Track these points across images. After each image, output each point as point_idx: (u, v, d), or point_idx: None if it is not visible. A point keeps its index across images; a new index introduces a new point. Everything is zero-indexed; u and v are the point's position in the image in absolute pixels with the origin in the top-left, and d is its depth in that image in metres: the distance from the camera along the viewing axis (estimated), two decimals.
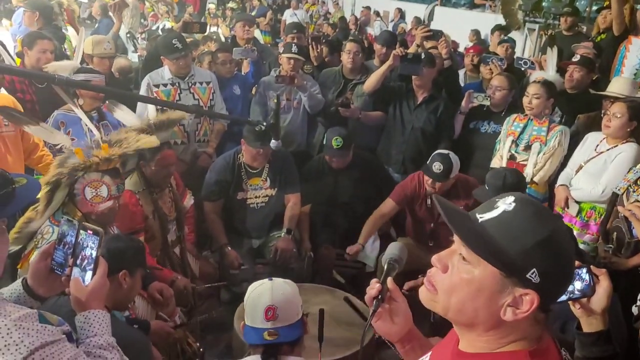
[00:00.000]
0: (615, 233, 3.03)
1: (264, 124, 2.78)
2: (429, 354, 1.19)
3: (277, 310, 1.79)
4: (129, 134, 2.59)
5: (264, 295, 1.82)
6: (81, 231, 1.40)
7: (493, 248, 0.96)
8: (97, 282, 1.39)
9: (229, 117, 4.07)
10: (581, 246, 3.41)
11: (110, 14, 5.60)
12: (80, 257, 1.39)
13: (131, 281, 2.10)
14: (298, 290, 1.93)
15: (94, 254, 1.38)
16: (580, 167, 3.50)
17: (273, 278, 1.91)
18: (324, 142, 3.75)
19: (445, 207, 1.04)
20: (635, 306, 2.03)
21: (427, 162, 3.42)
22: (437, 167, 3.34)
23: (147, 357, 2.02)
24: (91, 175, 2.39)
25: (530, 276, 0.95)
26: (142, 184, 3.06)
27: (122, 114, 3.02)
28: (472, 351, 1.05)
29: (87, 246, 1.39)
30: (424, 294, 1.08)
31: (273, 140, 2.81)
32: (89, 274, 1.38)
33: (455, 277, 1.02)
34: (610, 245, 3.08)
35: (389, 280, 1.25)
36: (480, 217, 1.01)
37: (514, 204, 0.99)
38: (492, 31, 5.84)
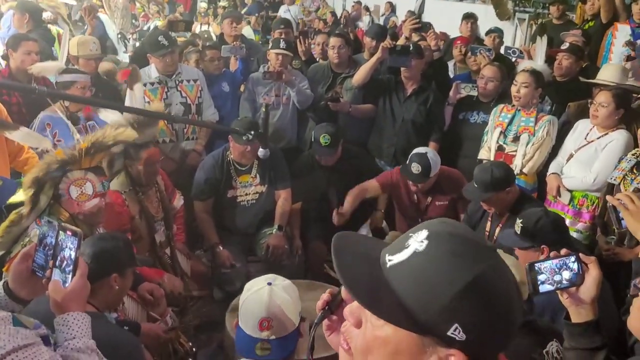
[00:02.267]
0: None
1: (252, 133, 2.74)
2: None
3: (272, 322, 1.70)
4: (107, 129, 2.55)
5: (259, 304, 1.71)
6: (60, 232, 1.38)
7: (398, 307, 0.78)
8: (77, 283, 1.36)
9: (216, 126, 4.05)
10: (574, 235, 3.39)
11: (83, 17, 5.56)
12: (59, 258, 1.38)
13: (122, 282, 2.08)
14: (298, 296, 1.81)
15: (73, 255, 1.36)
16: (571, 156, 3.50)
17: (272, 282, 1.77)
18: (312, 139, 3.73)
19: (339, 252, 0.85)
20: (629, 295, 2.01)
21: (406, 163, 3.40)
22: (415, 168, 3.31)
23: (137, 358, 1.99)
24: (74, 173, 2.37)
25: (452, 334, 0.77)
26: (129, 183, 3.03)
27: (107, 113, 2.99)
28: None
29: (67, 247, 1.37)
30: (341, 355, 0.91)
31: (261, 149, 2.78)
32: (69, 274, 1.36)
33: (369, 336, 0.83)
34: (613, 237, 3.07)
35: (343, 289, 0.98)
36: (389, 261, 0.82)
37: (426, 242, 0.80)
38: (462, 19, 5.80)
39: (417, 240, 0.81)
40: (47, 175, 2.31)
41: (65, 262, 1.37)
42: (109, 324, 2.05)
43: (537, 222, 2.36)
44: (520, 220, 2.42)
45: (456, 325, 0.76)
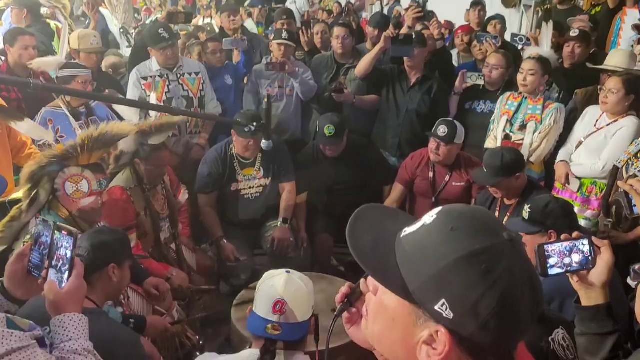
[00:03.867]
0: (615, 207, 2.99)
1: (254, 124, 2.71)
2: None
3: (286, 306, 1.72)
4: (107, 126, 2.53)
5: (276, 287, 1.75)
6: (56, 232, 1.35)
7: (396, 275, 0.78)
8: (73, 284, 1.33)
9: (218, 118, 4.02)
10: (583, 222, 3.38)
11: (86, 11, 5.53)
12: (55, 258, 1.35)
13: (120, 273, 2.08)
14: (313, 290, 1.85)
15: (69, 255, 1.33)
16: (580, 143, 3.46)
17: (291, 271, 1.83)
18: (317, 130, 3.69)
19: (358, 216, 0.87)
20: (631, 279, 1.98)
21: (433, 129, 3.45)
22: (442, 130, 3.38)
23: (138, 355, 1.97)
24: (71, 169, 2.36)
25: (439, 309, 0.74)
26: (135, 180, 3.02)
27: (122, 108, 2.99)
28: None
29: (62, 247, 1.34)
30: (363, 323, 0.92)
31: (264, 141, 2.74)
32: (65, 274, 1.34)
33: (378, 301, 0.85)
34: (610, 220, 3.05)
35: (363, 282, 0.98)
36: (404, 232, 0.83)
37: (435, 217, 0.80)
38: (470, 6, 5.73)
39: (430, 215, 0.81)
40: (44, 170, 2.30)
41: (61, 262, 1.34)
42: (109, 320, 2.04)
43: (546, 206, 2.35)
44: (529, 206, 2.41)
45: (443, 300, 0.74)
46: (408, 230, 0.82)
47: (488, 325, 0.74)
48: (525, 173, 3.04)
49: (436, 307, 0.75)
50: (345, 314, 1.01)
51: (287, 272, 1.81)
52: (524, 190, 2.98)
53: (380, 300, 0.84)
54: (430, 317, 0.76)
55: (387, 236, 0.84)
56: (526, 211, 2.39)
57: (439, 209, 0.82)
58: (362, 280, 0.98)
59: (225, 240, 3.46)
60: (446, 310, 0.74)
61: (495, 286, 0.73)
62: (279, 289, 1.74)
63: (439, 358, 0.76)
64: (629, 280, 1.96)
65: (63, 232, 1.34)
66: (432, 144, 3.46)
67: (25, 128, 2.55)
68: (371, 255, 0.82)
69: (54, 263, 1.35)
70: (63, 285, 1.33)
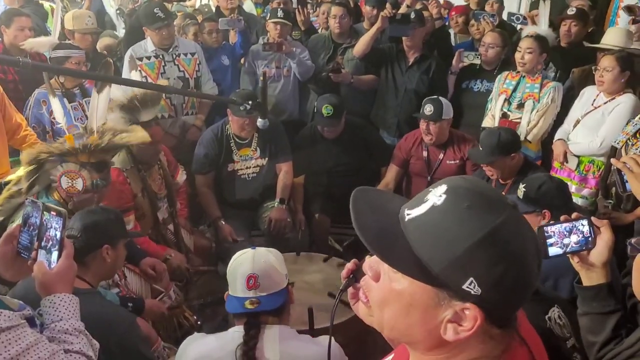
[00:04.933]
0: (614, 188, 2.99)
1: (249, 102, 2.69)
2: (391, 356, 1.03)
3: (259, 279, 1.73)
4: (113, 134, 2.51)
5: (245, 264, 1.76)
6: (45, 213, 1.34)
7: (413, 259, 0.78)
8: (62, 264, 1.32)
9: (213, 97, 3.97)
10: (580, 201, 3.39)
11: None
12: (45, 239, 1.34)
13: (114, 253, 2.07)
14: (282, 259, 1.87)
15: (59, 236, 1.32)
16: (578, 122, 3.46)
17: (256, 247, 1.85)
18: (315, 111, 3.67)
19: (357, 202, 0.86)
20: (628, 252, 1.98)
21: (420, 110, 3.44)
22: (428, 109, 3.38)
23: (133, 334, 1.98)
24: (69, 165, 2.36)
25: (467, 287, 0.75)
26: (130, 161, 3.00)
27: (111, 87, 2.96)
28: None
29: (52, 227, 1.33)
30: (360, 309, 0.91)
31: (260, 119, 2.72)
32: (55, 255, 1.33)
33: (385, 288, 0.83)
34: (610, 201, 3.05)
35: (367, 258, 0.98)
36: (408, 215, 0.81)
37: (444, 197, 0.79)
38: None
39: (436, 195, 0.80)
40: (42, 161, 2.30)
41: (50, 243, 1.33)
42: (103, 300, 2.04)
43: (541, 186, 2.34)
44: (524, 185, 2.39)
45: (471, 278, 0.75)
46: (413, 212, 0.81)
47: (512, 293, 0.78)
48: (521, 154, 3.02)
49: (464, 287, 0.75)
50: (350, 290, 0.99)
51: (253, 248, 1.83)
52: (519, 170, 2.98)
53: (388, 288, 0.83)
54: (454, 296, 0.77)
55: (391, 220, 0.83)
56: (521, 190, 2.39)
57: (444, 186, 0.81)
58: (366, 257, 0.96)
59: (223, 221, 3.46)
60: (474, 287, 0.75)
61: (514, 256, 0.77)
62: (248, 265, 1.76)
63: (469, 333, 0.77)
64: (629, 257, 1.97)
65: (52, 212, 1.33)
66: (422, 125, 3.46)
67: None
68: (384, 244, 0.81)
69: (43, 244, 1.34)
70: (52, 266, 1.33)
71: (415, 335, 0.83)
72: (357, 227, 0.82)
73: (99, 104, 2.61)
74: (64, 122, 2.94)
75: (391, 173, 3.69)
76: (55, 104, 2.88)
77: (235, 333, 1.73)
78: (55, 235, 1.32)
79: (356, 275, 1.00)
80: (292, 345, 1.72)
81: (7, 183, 2.43)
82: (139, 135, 2.56)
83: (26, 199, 1.43)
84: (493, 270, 0.75)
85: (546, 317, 1.77)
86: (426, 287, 0.78)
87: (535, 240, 0.82)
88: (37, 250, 1.34)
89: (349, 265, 1.02)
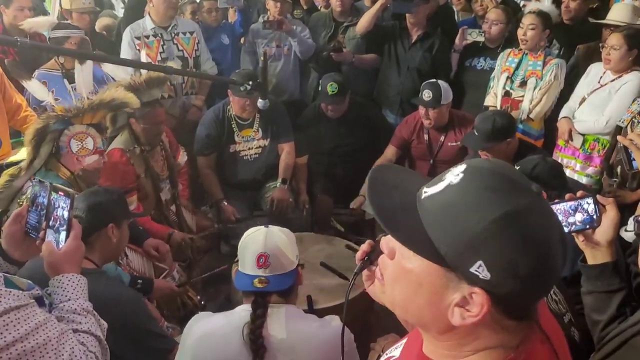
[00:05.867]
0: (619, 167, 2.97)
1: (250, 83, 2.67)
2: (404, 341, 1.01)
3: (269, 258, 1.73)
4: (115, 89, 2.54)
5: (257, 242, 1.76)
6: (53, 193, 1.35)
7: (423, 238, 0.75)
8: (71, 244, 1.33)
9: (213, 77, 3.95)
10: (584, 179, 3.38)
11: None
12: (52, 219, 1.35)
13: (119, 233, 2.07)
14: (294, 240, 1.86)
15: (67, 216, 1.33)
16: (584, 99, 3.42)
17: (270, 225, 1.84)
18: (319, 89, 3.64)
19: (374, 184, 0.83)
20: (625, 230, 1.97)
21: (419, 95, 3.39)
22: (426, 95, 3.33)
23: (141, 313, 1.99)
24: (76, 127, 2.39)
25: (476, 271, 0.73)
26: (133, 142, 3.00)
27: (111, 66, 2.95)
28: (434, 358, 0.86)
29: (59, 207, 1.34)
30: (374, 290, 0.91)
31: (260, 100, 2.70)
32: (63, 235, 1.33)
33: (398, 266, 0.82)
34: (615, 179, 3.03)
35: (383, 237, 0.96)
36: (425, 193, 0.80)
37: (461, 175, 0.77)
38: None
39: (454, 174, 0.77)
40: (48, 129, 2.30)
41: (58, 223, 1.34)
42: (109, 279, 2.05)
43: (534, 168, 2.33)
44: (518, 168, 2.38)
45: (480, 262, 0.72)
46: (430, 190, 0.79)
47: (526, 283, 0.73)
48: (516, 138, 2.97)
49: (472, 269, 0.73)
50: (365, 272, 0.99)
51: (266, 227, 1.82)
52: (517, 153, 2.93)
53: (401, 265, 0.81)
54: (463, 279, 0.74)
55: (408, 199, 0.81)
56: None
57: (463, 166, 0.79)
58: (382, 238, 0.94)
59: (225, 202, 3.46)
60: (483, 271, 0.72)
61: (532, 244, 0.73)
62: (260, 243, 1.75)
63: (475, 319, 0.75)
64: (623, 233, 1.95)
65: (60, 192, 1.34)
66: (421, 110, 3.42)
67: (34, 88, 2.55)
68: (395, 220, 0.79)
69: (51, 224, 1.35)
70: (61, 246, 1.33)
71: (425, 318, 0.81)
72: (373, 207, 0.80)
73: (83, 74, 2.69)
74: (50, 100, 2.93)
75: (389, 153, 3.66)
76: (35, 84, 2.85)
77: (243, 311, 1.73)
78: (63, 215, 1.33)
79: (371, 257, 0.99)
80: (299, 325, 1.73)
81: (8, 165, 2.43)
82: (131, 98, 2.58)
83: (32, 179, 1.43)
84: (505, 256, 0.72)
85: None
86: (435, 267, 0.76)
87: (561, 231, 0.78)
88: (45, 230, 1.34)
89: (364, 246, 1.01)
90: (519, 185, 0.76)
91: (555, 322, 0.91)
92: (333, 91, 3.50)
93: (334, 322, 1.77)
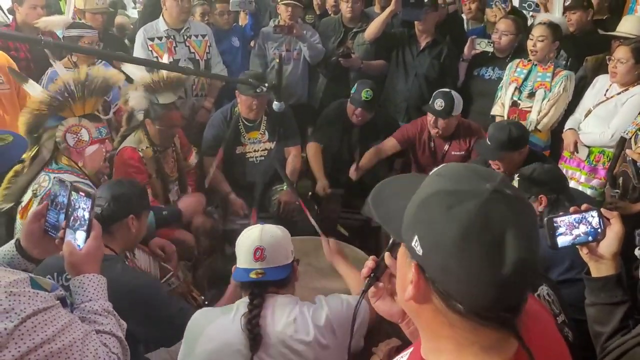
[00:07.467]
0: (621, 178, 2.98)
1: (266, 85, 2.69)
2: (410, 350, 0.99)
3: (266, 251, 1.79)
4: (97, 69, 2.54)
5: (253, 237, 1.82)
6: (73, 193, 1.36)
7: (383, 207, 0.84)
8: (91, 245, 1.34)
9: (228, 78, 3.97)
10: (589, 191, 3.37)
11: None
12: (72, 218, 1.36)
13: (138, 224, 2.14)
14: (289, 236, 1.92)
15: (87, 216, 1.34)
16: (590, 112, 3.42)
17: (265, 223, 1.91)
18: (352, 92, 3.62)
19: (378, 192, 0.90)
20: (637, 243, 1.97)
21: (430, 102, 3.38)
22: (438, 104, 3.31)
23: (159, 294, 2.04)
24: (69, 121, 2.41)
25: (414, 245, 0.75)
26: (146, 141, 3.04)
27: (130, 67, 2.98)
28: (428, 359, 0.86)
29: (79, 207, 1.35)
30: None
31: (276, 102, 2.73)
32: (82, 235, 1.34)
33: (397, 264, 0.88)
34: (617, 191, 3.04)
35: (387, 255, 0.99)
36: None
37: (443, 167, 0.83)
38: None
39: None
40: (38, 120, 2.33)
41: (78, 223, 1.35)
42: (125, 266, 2.10)
43: (532, 172, 2.39)
44: (517, 175, 2.44)
45: (416, 236, 0.75)
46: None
47: (449, 267, 0.73)
48: (527, 148, 2.96)
49: (413, 244, 0.76)
50: (371, 289, 1.02)
51: (262, 224, 1.89)
52: (525, 162, 2.90)
53: (397, 266, 0.86)
54: (410, 255, 0.79)
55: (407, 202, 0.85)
56: (515, 180, 2.43)
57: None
58: (386, 254, 0.98)
59: (234, 195, 3.48)
60: (417, 246, 0.75)
61: (457, 224, 0.71)
62: (256, 237, 1.81)
63: (412, 293, 0.77)
64: (637, 251, 1.96)
65: (80, 193, 1.34)
66: (430, 118, 3.40)
67: (32, 90, 2.58)
68: (381, 201, 0.85)
69: (71, 224, 1.36)
70: (81, 246, 1.34)
71: (413, 312, 0.84)
72: (372, 191, 0.88)
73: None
74: None
75: (388, 144, 3.64)
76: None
77: (241, 303, 1.78)
78: (84, 215, 1.34)
79: (377, 274, 1.03)
80: (294, 313, 1.76)
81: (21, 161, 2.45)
82: (116, 76, 2.61)
83: (53, 178, 1.44)
84: (431, 229, 0.74)
85: (536, 294, 1.80)
86: (403, 248, 0.81)
87: (529, 235, 0.74)
88: (65, 229, 1.36)
89: (369, 263, 1.04)
90: (471, 177, 0.77)
91: (562, 344, 0.91)
92: (367, 97, 3.50)
93: (329, 303, 1.82)
